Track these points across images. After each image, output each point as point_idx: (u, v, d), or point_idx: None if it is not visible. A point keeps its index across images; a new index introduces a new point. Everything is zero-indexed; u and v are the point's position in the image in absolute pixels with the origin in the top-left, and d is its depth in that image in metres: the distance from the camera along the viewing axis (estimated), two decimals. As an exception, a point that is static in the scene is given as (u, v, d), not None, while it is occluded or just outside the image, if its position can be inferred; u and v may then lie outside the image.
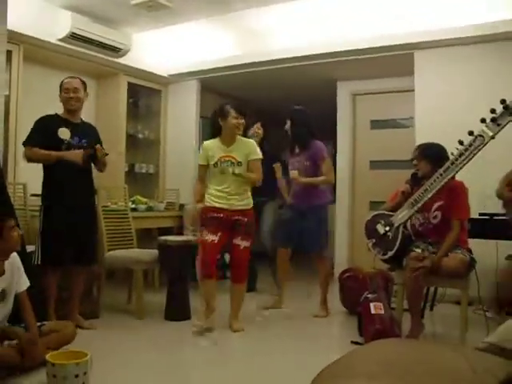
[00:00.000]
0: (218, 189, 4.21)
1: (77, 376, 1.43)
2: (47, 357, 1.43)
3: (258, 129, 5.42)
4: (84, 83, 4.24)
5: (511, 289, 4.39)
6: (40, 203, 4.13)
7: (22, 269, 3.27)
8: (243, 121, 4.23)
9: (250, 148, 4.27)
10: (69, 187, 4.02)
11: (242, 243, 4.21)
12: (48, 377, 1.43)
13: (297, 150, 4.86)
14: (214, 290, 4.27)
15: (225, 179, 4.19)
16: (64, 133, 4.02)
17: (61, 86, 4.15)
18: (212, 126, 4.45)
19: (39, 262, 3.95)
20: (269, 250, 5.81)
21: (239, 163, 4.19)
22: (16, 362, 2.84)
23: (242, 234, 4.21)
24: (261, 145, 5.14)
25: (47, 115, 4.12)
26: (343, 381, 1.47)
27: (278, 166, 5.05)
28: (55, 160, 3.95)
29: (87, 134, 4.20)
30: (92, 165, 4.24)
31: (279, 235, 5.04)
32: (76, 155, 4.01)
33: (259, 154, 4.29)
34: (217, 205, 4.19)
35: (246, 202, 4.28)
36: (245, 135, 4.64)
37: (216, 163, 4.20)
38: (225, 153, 4.22)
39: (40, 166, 4.06)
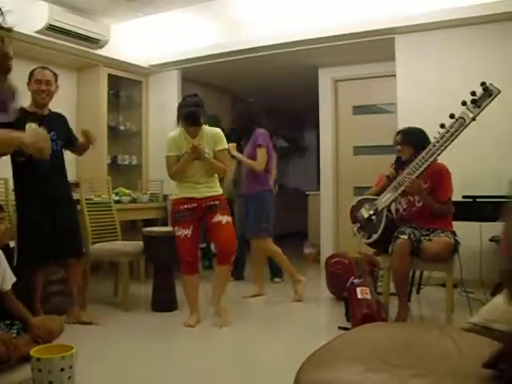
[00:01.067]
0: (185, 180, 4.10)
1: (62, 370, 1.42)
2: (32, 351, 1.42)
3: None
4: (55, 75, 4.08)
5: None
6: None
7: (7, 265, 3.24)
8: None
9: (215, 138, 4.12)
10: (40, 183, 3.88)
11: (223, 218, 4.05)
12: (33, 371, 1.42)
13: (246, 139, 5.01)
14: (195, 286, 4.16)
15: (192, 169, 4.06)
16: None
17: (31, 75, 3.98)
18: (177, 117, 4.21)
19: (17, 265, 3.81)
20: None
21: (207, 154, 4.04)
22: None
23: (219, 211, 4.07)
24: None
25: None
26: (332, 365, 1.47)
27: (232, 145, 5.03)
28: (15, 147, 3.79)
29: (56, 125, 4.04)
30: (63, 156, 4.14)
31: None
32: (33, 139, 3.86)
33: (225, 144, 4.19)
34: (187, 195, 4.09)
35: (216, 189, 4.17)
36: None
37: (184, 155, 4.05)
38: (196, 144, 4.01)
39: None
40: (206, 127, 4.13)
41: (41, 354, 1.45)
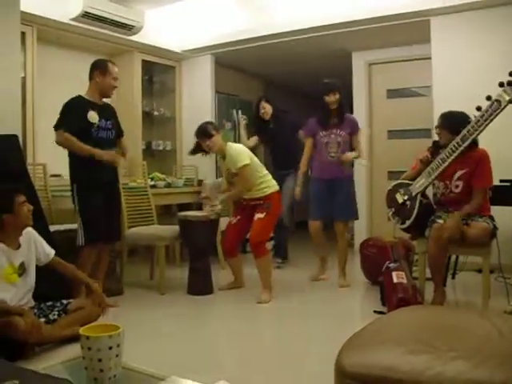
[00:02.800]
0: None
1: (110, 348, 1.46)
2: (81, 330, 1.47)
3: (263, 108, 5.68)
4: None
5: None
6: (69, 183, 4.11)
7: (42, 240, 3.35)
8: (207, 143, 4.47)
9: (233, 159, 4.46)
10: (97, 165, 3.99)
11: (257, 215, 4.43)
12: (83, 349, 1.47)
13: (333, 122, 4.82)
14: (236, 266, 4.72)
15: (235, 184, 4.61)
16: (93, 116, 4.03)
17: (105, 68, 4.12)
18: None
19: (83, 243, 4.01)
20: (287, 222, 5.84)
21: (236, 174, 4.49)
22: (33, 335, 2.93)
23: (259, 210, 4.46)
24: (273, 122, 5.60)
25: (74, 98, 4.07)
26: (372, 347, 1.48)
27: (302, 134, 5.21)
28: (87, 155, 3.93)
29: (110, 115, 4.23)
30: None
31: (312, 208, 4.95)
32: (109, 156, 4.03)
33: (242, 162, 4.41)
34: (244, 196, 4.58)
35: (261, 191, 4.51)
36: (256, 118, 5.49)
37: (227, 176, 4.67)
38: (225, 166, 4.60)
39: (61, 148, 4.03)
40: (228, 148, 4.51)
41: (89, 332, 1.50)
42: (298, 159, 5.16)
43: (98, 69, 4.12)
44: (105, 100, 4.30)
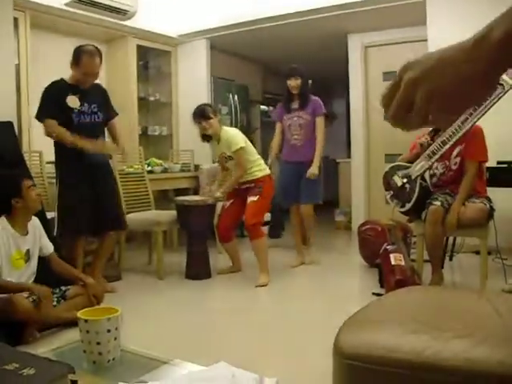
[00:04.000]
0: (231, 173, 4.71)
1: (109, 331, 1.46)
2: (79, 314, 1.47)
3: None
4: (100, 54, 4.05)
5: None
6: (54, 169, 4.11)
7: (44, 232, 3.37)
8: (205, 123, 4.47)
9: (228, 142, 4.51)
10: (83, 155, 3.91)
11: (250, 198, 4.49)
12: (81, 332, 1.47)
13: (295, 106, 4.91)
14: (232, 251, 4.78)
15: (231, 168, 4.68)
16: (73, 101, 3.92)
17: (78, 60, 3.92)
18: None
19: (58, 234, 3.95)
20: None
21: (230, 157, 4.56)
22: (36, 318, 2.95)
23: (251, 194, 4.51)
24: None
25: (53, 83, 3.97)
26: (371, 328, 1.48)
27: None
28: (69, 145, 3.84)
29: (96, 98, 4.11)
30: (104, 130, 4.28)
31: (280, 193, 5.05)
32: (96, 146, 3.92)
33: (237, 145, 4.46)
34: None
35: (251, 175, 4.55)
36: None
37: (220, 160, 4.76)
38: (220, 150, 4.65)
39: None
40: (223, 132, 4.56)
41: (88, 315, 1.50)
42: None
43: (73, 57, 3.97)
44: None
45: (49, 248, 3.42)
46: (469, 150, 3.81)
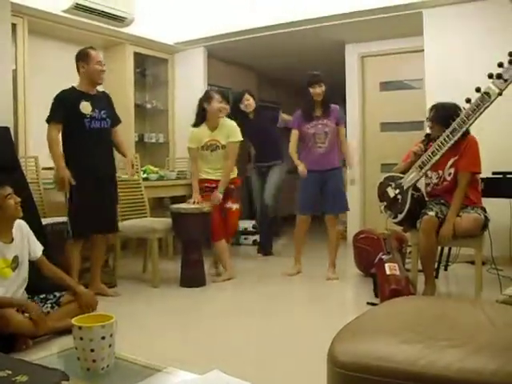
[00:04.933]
0: (205, 166, 4.86)
1: (103, 338, 1.46)
2: (73, 320, 1.47)
3: (246, 100, 5.75)
4: None
5: None
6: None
7: (33, 235, 3.33)
8: (227, 106, 4.71)
9: (229, 130, 4.69)
10: (91, 159, 4.01)
11: (234, 206, 4.79)
12: (75, 340, 1.46)
13: (318, 114, 4.80)
14: (221, 250, 4.79)
15: (209, 159, 4.81)
16: (86, 107, 4.01)
17: (87, 56, 4.06)
18: (197, 111, 4.83)
19: (71, 236, 4.02)
20: (270, 212, 5.90)
21: (223, 146, 4.70)
22: (30, 332, 2.93)
23: (231, 198, 4.77)
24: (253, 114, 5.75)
25: (65, 90, 4.06)
26: (365, 337, 1.48)
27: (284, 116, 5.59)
28: (58, 169, 3.96)
29: (105, 105, 4.20)
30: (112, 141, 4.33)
31: (301, 202, 4.93)
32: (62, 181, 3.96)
33: (238, 137, 4.71)
34: (208, 176, 4.85)
35: (232, 173, 4.79)
36: (237, 111, 5.55)
37: (203, 146, 4.78)
38: (210, 137, 4.72)
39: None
40: (224, 120, 4.73)
41: (82, 322, 1.50)
42: (282, 150, 5.25)
43: (81, 58, 4.10)
44: (99, 89, 4.29)
45: (36, 252, 3.31)
46: (461, 162, 3.81)
